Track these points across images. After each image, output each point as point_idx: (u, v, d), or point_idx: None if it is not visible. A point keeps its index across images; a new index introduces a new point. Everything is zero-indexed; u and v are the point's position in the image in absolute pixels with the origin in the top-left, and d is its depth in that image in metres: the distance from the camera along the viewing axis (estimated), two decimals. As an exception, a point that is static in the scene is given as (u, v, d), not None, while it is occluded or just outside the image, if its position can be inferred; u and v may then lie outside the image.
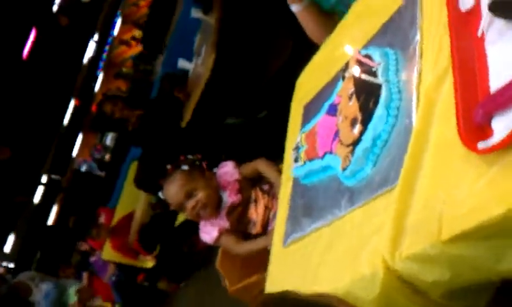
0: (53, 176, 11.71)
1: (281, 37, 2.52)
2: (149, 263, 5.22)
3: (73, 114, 12.37)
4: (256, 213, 1.99)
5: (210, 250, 2.16)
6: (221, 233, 2.01)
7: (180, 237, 4.47)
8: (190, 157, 2.09)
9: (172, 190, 2.01)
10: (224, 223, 2.01)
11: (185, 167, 2.05)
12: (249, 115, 3.35)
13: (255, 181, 2.07)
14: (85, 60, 12.50)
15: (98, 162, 9.84)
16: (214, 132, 3.53)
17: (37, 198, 11.59)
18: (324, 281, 1.10)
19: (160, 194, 2.09)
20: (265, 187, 2.02)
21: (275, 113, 3.14)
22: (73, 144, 12.25)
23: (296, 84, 1.75)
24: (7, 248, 10.70)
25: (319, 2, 1.81)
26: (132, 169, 5.21)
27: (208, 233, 2.04)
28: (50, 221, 11.13)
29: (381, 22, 1.25)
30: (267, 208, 1.98)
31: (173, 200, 2.02)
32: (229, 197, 2.03)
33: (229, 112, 3.44)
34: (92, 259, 6.21)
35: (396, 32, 1.17)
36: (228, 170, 2.10)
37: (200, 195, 2.00)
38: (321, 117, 1.34)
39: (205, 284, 3.79)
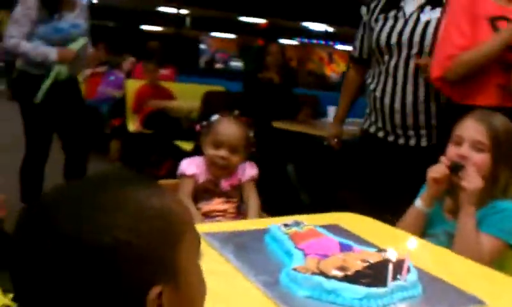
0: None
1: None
2: (133, 125, 5.26)
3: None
4: (215, 204, 1.96)
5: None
6: (192, 177, 1.97)
7: (167, 149, 4.49)
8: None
9: (232, 128, 1.98)
10: (202, 177, 1.98)
11: (252, 133, 2.04)
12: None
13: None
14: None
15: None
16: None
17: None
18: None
19: (214, 116, 2.03)
20: (241, 209, 2.01)
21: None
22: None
23: (347, 214, 1.73)
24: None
25: (430, 221, 1.78)
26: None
27: (190, 167, 1.98)
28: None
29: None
30: (223, 213, 1.94)
31: (220, 131, 1.97)
32: (225, 181, 2.01)
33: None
34: (116, 72, 6.29)
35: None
36: (248, 171, 2.06)
37: (236, 160, 1.98)
38: (335, 239, 1.31)
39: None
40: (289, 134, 3.76)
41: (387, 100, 2.38)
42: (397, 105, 2.35)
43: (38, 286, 0.61)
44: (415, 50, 2.31)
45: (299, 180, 3.74)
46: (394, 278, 1.09)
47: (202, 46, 19.39)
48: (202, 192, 1.98)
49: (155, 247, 0.62)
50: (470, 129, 1.71)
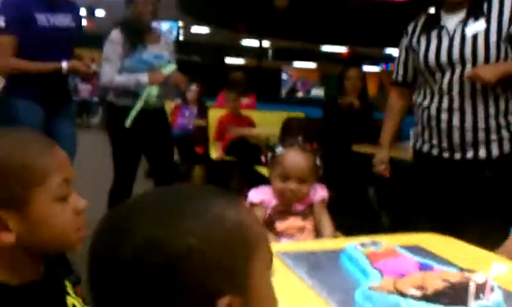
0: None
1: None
2: (216, 153, 5.36)
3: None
4: (292, 222, 1.93)
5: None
6: (261, 204, 1.94)
7: (247, 175, 4.53)
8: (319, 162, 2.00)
9: (298, 159, 1.92)
10: (273, 202, 1.95)
11: (318, 161, 1.97)
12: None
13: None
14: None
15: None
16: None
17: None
18: None
19: (280, 147, 1.97)
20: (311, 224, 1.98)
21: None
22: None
23: (427, 235, 1.65)
24: None
25: None
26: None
27: (257, 195, 1.96)
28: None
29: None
30: (301, 230, 1.92)
31: (287, 164, 1.91)
32: (297, 204, 1.97)
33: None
34: (189, 106, 6.53)
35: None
36: (319, 192, 2.01)
37: (305, 189, 1.93)
38: (414, 258, 1.25)
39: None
40: (369, 158, 3.69)
41: (444, 117, 2.29)
42: (456, 122, 2.27)
43: (111, 287, 0.62)
44: (468, 66, 2.22)
45: (379, 204, 3.65)
46: (476, 298, 1.02)
47: (284, 76, 19.59)
48: (276, 214, 1.95)
49: (227, 258, 0.62)
50: None
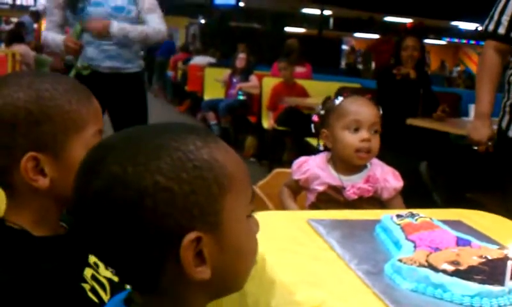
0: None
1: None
2: (268, 122, 5.33)
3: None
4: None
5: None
6: (298, 186, 1.77)
7: (300, 146, 4.49)
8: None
9: (369, 104, 1.67)
10: (322, 181, 1.72)
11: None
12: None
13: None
14: None
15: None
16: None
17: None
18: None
19: (339, 98, 1.71)
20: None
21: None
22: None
23: (472, 211, 1.56)
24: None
25: None
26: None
27: (302, 171, 1.74)
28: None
29: None
30: None
31: (357, 110, 1.65)
32: (352, 186, 1.69)
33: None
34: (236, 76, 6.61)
35: None
36: (393, 183, 1.71)
37: (377, 143, 1.66)
38: (452, 232, 1.19)
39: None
40: (424, 132, 3.57)
41: None
42: None
43: (84, 218, 0.66)
44: None
45: (431, 179, 3.53)
46: (513, 277, 0.96)
47: (345, 47, 19.21)
48: (323, 203, 1.71)
49: (195, 196, 0.63)
50: None
